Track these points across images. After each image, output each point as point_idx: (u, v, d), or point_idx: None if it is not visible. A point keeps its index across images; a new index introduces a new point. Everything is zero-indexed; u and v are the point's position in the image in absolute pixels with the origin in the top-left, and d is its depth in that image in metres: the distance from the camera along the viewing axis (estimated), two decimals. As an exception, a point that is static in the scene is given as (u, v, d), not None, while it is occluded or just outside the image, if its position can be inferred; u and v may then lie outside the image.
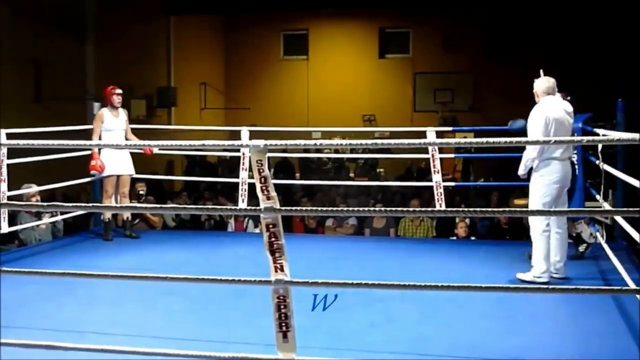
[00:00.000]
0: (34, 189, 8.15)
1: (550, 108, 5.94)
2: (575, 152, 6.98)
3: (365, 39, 22.20)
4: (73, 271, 4.09)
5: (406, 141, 3.51)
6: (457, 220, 9.54)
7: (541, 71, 6.28)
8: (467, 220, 9.61)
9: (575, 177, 6.67)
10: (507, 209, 10.13)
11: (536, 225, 5.99)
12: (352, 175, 18.89)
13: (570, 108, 6.08)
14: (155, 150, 8.40)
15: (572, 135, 6.37)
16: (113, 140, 7.87)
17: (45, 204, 5.73)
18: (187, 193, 13.14)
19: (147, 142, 4.72)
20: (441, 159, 8.01)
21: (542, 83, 6.05)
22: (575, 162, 6.66)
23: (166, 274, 3.79)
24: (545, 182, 5.95)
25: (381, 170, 19.59)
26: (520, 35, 19.68)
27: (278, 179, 9.38)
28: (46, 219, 8.21)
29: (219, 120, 21.80)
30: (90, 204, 7.98)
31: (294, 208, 4.02)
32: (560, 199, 6.01)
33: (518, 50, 19.30)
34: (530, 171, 6.09)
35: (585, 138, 5.91)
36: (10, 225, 7.31)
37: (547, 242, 5.93)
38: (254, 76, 22.33)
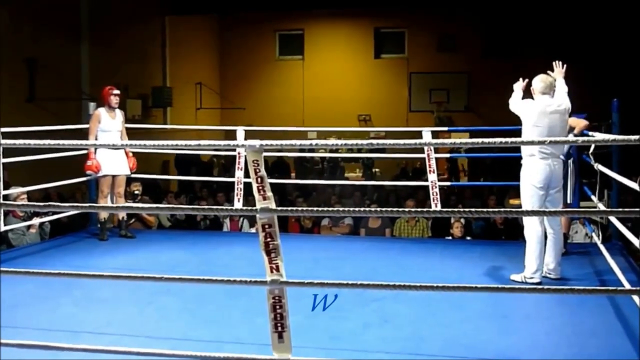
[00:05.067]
0: (20, 190, 8.11)
1: (543, 104, 5.97)
2: (571, 151, 7.00)
3: (361, 39, 22.23)
4: (69, 271, 4.09)
5: (402, 141, 3.52)
6: (452, 220, 9.54)
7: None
8: (463, 220, 9.63)
9: (566, 176, 6.69)
10: (502, 209, 10.17)
11: (528, 225, 6.01)
12: (359, 175, 18.97)
13: (563, 105, 6.09)
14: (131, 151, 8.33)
15: (567, 133, 6.39)
16: (109, 140, 7.86)
17: (41, 204, 5.72)
18: (180, 192, 13.15)
19: (142, 142, 4.70)
20: (435, 159, 8.03)
21: (538, 82, 6.08)
22: (563, 159, 6.66)
23: (162, 274, 3.78)
24: (529, 184, 5.97)
25: (377, 170, 19.62)
26: (515, 35, 19.77)
27: (273, 179, 9.37)
28: (36, 220, 8.14)
29: (215, 120, 21.82)
30: (86, 204, 7.96)
31: (289, 208, 4.03)
32: (549, 199, 6.00)
33: (513, 50, 19.38)
34: (519, 169, 6.13)
35: (581, 139, 5.94)
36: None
37: (539, 242, 5.94)
38: (250, 76, 22.35)
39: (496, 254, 7.18)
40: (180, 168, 17.91)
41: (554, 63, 6.52)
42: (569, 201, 6.80)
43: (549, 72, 6.35)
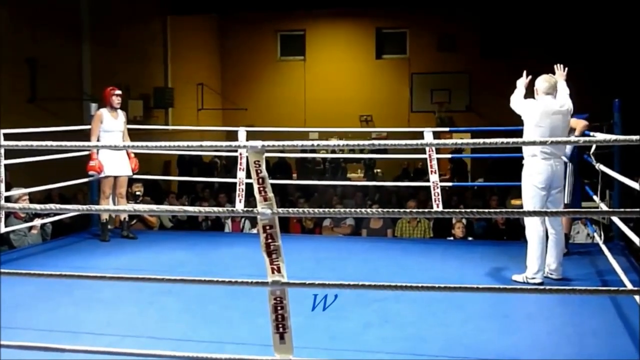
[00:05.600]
0: (21, 191, 8.11)
1: (545, 105, 5.97)
2: (574, 152, 6.99)
3: (362, 40, 22.22)
4: (70, 272, 4.09)
5: (403, 142, 3.51)
6: (454, 220, 9.54)
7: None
8: (464, 221, 9.62)
9: (567, 177, 6.67)
10: (503, 209, 10.16)
11: (530, 225, 6.01)
12: (361, 175, 19.00)
13: (565, 106, 6.09)
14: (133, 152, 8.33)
15: (568, 134, 6.39)
16: (111, 141, 7.87)
17: (42, 205, 5.72)
18: (181, 193, 13.15)
19: (144, 143, 4.70)
20: (437, 160, 8.03)
21: (542, 82, 6.07)
22: (566, 160, 6.67)
23: (163, 275, 3.79)
24: (531, 184, 5.97)
25: (378, 170, 19.62)
26: (516, 35, 19.73)
27: (275, 179, 9.37)
28: (37, 222, 8.15)
29: (216, 120, 21.83)
30: (88, 205, 7.96)
31: (291, 210, 4.03)
32: (550, 199, 6.00)
33: (515, 50, 19.33)
34: (521, 169, 6.13)
35: (582, 139, 5.94)
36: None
37: (540, 242, 5.93)
38: (251, 77, 22.35)
39: (498, 255, 7.17)
40: (183, 168, 17.94)
41: (555, 66, 6.52)
42: (565, 201, 6.80)
43: (550, 74, 6.34)
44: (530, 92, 6.22)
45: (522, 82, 6.36)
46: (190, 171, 17.19)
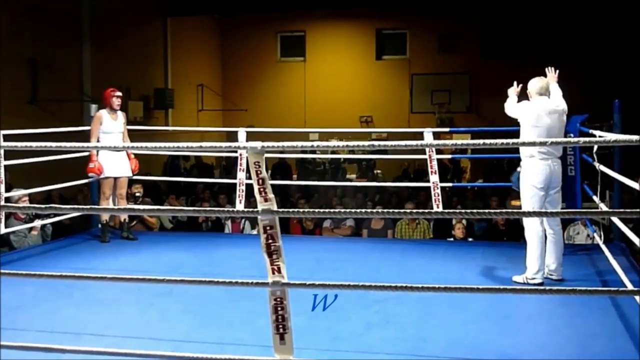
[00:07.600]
0: (22, 192, 8.12)
1: (541, 105, 5.98)
2: (573, 152, 6.99)
3: (362, 41, 22.23)
4: (71, 273, 4.09)
5: (403, 142, 3.51)
6: (454, 221, 9.54)
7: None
8: (464, 222, 9.62)
9: (566, 177, 6.67)
10: (503, 210, 10.16)
11: (529, 226, 6.01)
12: (353, 176, 18.96)
13: (561, 106, 6.10)
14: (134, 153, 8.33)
15: (565, 134, 6.39)
16: (111, 142, 7.87)
17: (42, 205, 5.73)
18: (176, 194, 13.15)
19: (144, 144, 4.70)
20: (437, 160, 8.03)
21: (535, 83, 6.09)
22: (569, 163, 6.68)
23: (163, 276, 3.79)
24: (529, 184, 5.98)
25: (378, 171, 19.62)
26: (516, 36, 19.73)
27: (275, 180, 9.38)
28: (37, 222, 8.15)
29: (216, 121, 21.83)
30: (88, 206, 7.95)
31: (291, 210, 4.03)
32: (548, 200, 6.00)
33: (515, 51, 19.33)
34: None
35: (582, 139, 5.93)
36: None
37: (540, 243, 5.93)
38: (251, 78, 22.35)
39: (498, 255, 7.18)
40: (172, 170, 17.79)
41: (546, 69, 6.52)
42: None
43: (541, 77, 6.35)
44: (523, 97, 6.23)
45: (513, 91, 6.42)
46: (179, 173, 17.13)
